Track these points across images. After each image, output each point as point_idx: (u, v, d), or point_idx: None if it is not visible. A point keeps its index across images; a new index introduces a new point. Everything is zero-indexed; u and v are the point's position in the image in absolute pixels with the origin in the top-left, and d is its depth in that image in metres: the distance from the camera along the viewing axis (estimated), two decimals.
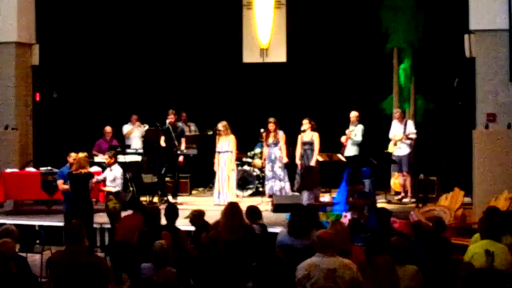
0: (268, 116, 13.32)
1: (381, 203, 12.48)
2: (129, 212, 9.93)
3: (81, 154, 10.54)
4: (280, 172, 13.16)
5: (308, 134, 12.85)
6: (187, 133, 14.29)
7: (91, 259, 6.49)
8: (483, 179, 11.51)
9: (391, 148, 13.32)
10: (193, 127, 15.27)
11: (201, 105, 15.42)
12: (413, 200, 13.04)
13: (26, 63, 13.70)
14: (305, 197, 11.81)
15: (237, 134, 13.23)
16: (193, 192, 14.95)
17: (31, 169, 12.78)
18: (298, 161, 12.93)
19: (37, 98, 13.99)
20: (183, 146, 13.53)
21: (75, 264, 6.33)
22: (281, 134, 13.27)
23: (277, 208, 11.98)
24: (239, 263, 7.19)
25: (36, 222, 11.46)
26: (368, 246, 7.57)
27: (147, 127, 14.08)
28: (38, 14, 13.79)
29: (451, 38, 12.93)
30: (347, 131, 13.37)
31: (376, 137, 13.76)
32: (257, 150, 14.36)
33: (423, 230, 7.91)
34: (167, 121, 13.71)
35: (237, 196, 13.00)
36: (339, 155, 12.66)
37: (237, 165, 13.51)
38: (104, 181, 11.15)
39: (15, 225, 7.83)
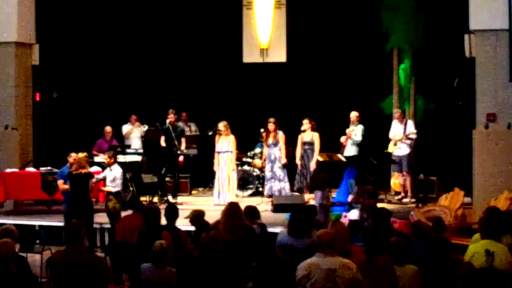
0: (268, 116, 13.31)
1: (381, 203, 12.47)
2: (129, 212, 9.92)
3: (81, 154, 10.55)
4: (279, 172, 13.14)
5: (308, 134, 12.86)
6: (187, 133, 14.29)
7: (91, 259, 6.48)
8: (483, 179, 11.49)
9: (391, 148, 13.31)
10: (193, 127, 15.27)
11: (201, 105, 15.42)
12: (413, 200, 13.04)
13: (26, 63, 13.69)
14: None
15: (237, 134, 13.23)
16: (193, 192, 14.95)
17: (31, 169, 12.78)
18: (298, 161, 12.94)
19: (37, 98, 13.99)
20: (183, 146, 13.52)
21: (75, 264, 6.32)
22: (280, 135, 13.25)
23: (277, 208, 11.99)
24: (239, 263, 7.19)
25: (36, 222, 11.48)
26: (368, 246, 7.57)
27: (146, 127, 14.07)
28: (38, 14, 13.78)
29: (451, 38, 12.92)
30: (347, 131, 13.36)
31: (376, 137, 13.75)
32: (257, 150, 14.35)
33: (423, 230, 7.91)
34: (167, 121, 13.69)
35: (237, 196, 12.99)
36: (339, 155, 12.67)
37: (237, 165, 13.50)
38: (104, 180, 11.16)
39: (15, 225, 7.80)
